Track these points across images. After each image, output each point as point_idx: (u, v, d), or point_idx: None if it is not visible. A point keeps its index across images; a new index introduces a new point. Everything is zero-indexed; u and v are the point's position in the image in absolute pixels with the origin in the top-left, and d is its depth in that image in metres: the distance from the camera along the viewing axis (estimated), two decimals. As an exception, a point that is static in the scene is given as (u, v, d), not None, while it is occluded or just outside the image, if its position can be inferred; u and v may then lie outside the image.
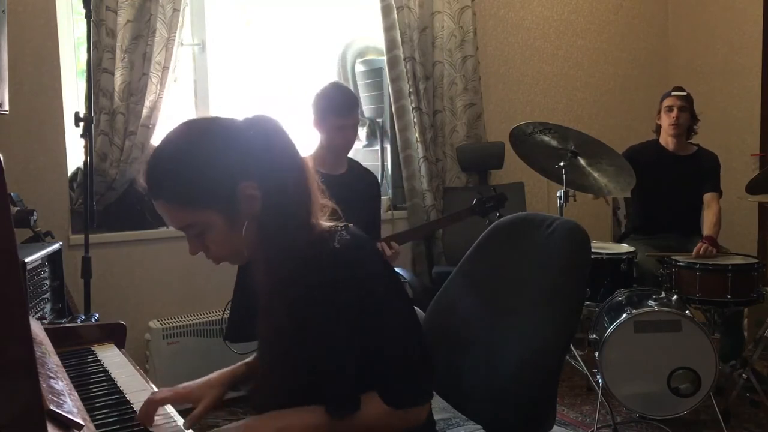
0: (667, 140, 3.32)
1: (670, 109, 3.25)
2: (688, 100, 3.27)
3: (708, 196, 3.22)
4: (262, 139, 1.13)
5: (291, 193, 1.12)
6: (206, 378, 1.29)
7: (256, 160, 1.11)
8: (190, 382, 1.28)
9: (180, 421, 1.16)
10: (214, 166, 1.10)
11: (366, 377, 1.13)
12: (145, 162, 1.14)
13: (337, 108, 2.43)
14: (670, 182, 3.28)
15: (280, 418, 1.12)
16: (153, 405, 1.14)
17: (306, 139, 2.50)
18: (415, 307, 1.28)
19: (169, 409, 1.21)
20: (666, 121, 3.27)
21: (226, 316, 2.93)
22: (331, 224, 1.18)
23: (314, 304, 1.09)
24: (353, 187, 2.50)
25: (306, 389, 1.13)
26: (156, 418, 1.14)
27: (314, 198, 1.16)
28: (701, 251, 2.85)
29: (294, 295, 1.10)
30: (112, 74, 2.85)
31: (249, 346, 2.82)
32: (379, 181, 3.09)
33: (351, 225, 1.19)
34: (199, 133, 1.14)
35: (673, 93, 3.27)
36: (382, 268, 1.18)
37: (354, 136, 2.55)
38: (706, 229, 3.10)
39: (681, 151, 3.31)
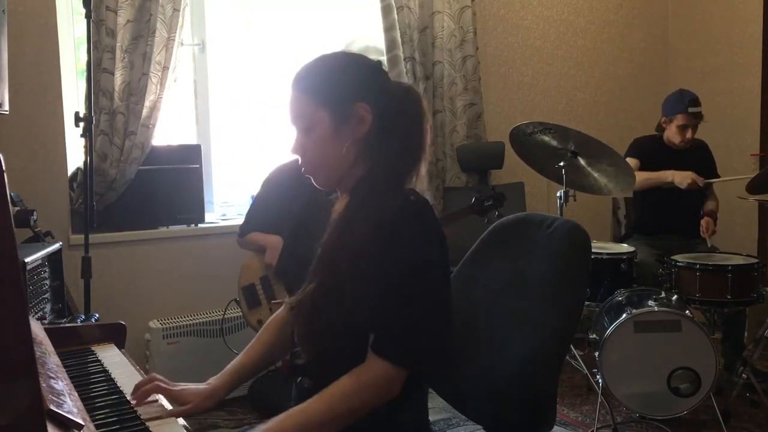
0: (671, 142, 3.32)
1: (685, 128, 3.19)
2: (701, 114, 3.19)
3: (710, 188, 3.39)
4: (396, 87, 1.27)
5: (398, 126, 1.24)
6: (209, 387, 1.33)
7: (384, 95, 1.24)
8: (193, 388, 1.30)
9: (180, 421, 1.16)
10: (349, 79, 1.24)
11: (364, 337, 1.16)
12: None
13: None
14: None
15: (287, 418, 1.14)
16: (153, 388, 1.23)
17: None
18: None
19: (168, 405, 1.22)
20: (677, 137, 3.23)
21: (226, 316, 2.94)
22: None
23: (376, 243, 1.16)
24: None
25: (349, 326, 1.17)
26: (157, 420, 1.14)
27: (418, 163, 1.26)
28: (705, 228, 3.10)
29: (365, 230, 1.17)
30: (112, 74, 2.85)
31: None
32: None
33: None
34: (352, 56, 1.29)
35: (691, 110, 3.14)
36: (439, 232, 1.23)
37: None
38: (708, 206, 3.32)
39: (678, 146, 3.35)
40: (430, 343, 1.20)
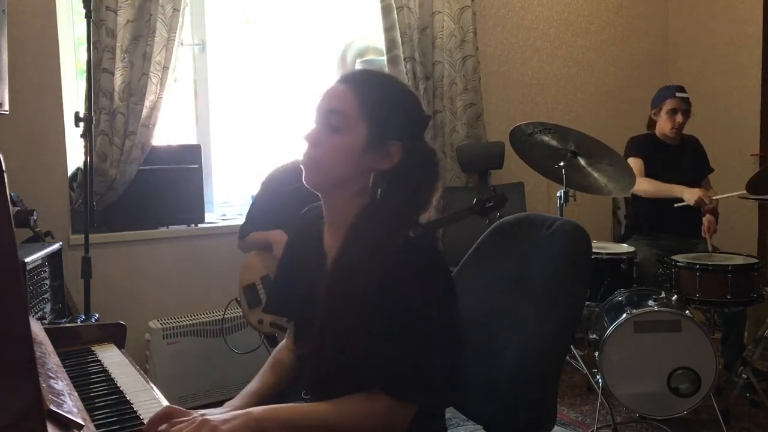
0: (664, 135, 3.35)
1: (674, 112, 3.25)
2: (689, 102, 3.26)
3: (705, 181, 3.40)
4: (426, 144, 1.30)
5: (414, 182, 1.23)
6: (231, 408, 1.23)
7: (417, 146, 1.24)
8: (213, 412, 1.17)
9: None
10: (405, 115, 1.23)
11: (374, 366, 1.13)
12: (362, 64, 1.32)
13: None
14: (668, 173, 3.29)
15: (283, 409, 1.13)
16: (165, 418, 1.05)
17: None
18: None
19: None
20: (668, 124, 3.28)
21: (226, 315, 2.94)
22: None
23: (382, 288, 1.13)
24: None
25: (360, 360, 1.14)
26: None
27: (428, 203, 1.28)
28: (707, 227, 3.05)
29: (369, 277, 1.14)
30: (112, 74, 2.85)
31: (249, 347, 2.84)
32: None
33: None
34: (414, 96, 1.28)
35: (678, 94, 3.23)
36: (443, 267, 1.21)
37: None
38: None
39: (672, 141, 3.37)
40: (442, 378, 1.17)
